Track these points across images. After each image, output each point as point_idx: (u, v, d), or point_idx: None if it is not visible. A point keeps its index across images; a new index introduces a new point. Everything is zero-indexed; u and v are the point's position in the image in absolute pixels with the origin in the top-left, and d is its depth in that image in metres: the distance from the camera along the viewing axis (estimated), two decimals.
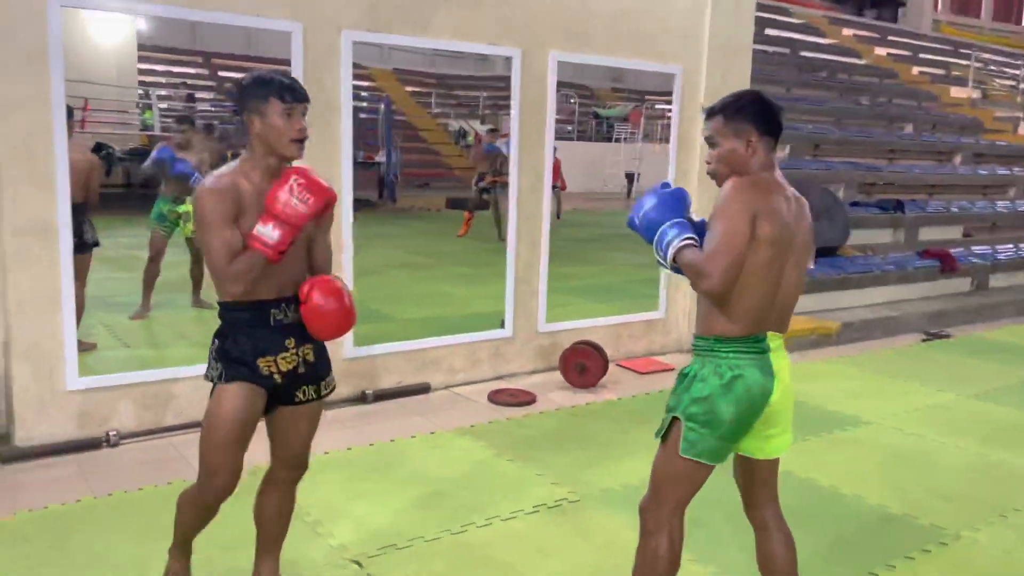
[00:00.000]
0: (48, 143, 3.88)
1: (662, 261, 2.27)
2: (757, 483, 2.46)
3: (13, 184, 3.83)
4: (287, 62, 4.47)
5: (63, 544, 3.12)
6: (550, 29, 5.36)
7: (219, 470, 2.40)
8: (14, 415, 3.99)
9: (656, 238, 2.26)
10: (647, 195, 2.35)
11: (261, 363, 2.42)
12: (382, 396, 4.98)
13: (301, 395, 2.53)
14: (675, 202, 2.31)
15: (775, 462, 2.47)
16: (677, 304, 6.38)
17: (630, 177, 17.67)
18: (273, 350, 2.44)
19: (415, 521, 3.40)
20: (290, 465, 2.60)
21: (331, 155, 4.68)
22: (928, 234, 9.61)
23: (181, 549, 2.63)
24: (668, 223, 2.26)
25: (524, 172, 5.41)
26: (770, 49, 13.69)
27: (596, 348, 5.41)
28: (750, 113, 2.26)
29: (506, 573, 3.01)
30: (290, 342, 2.47)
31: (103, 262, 5.61)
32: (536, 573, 3.01)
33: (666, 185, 2.39)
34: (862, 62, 15.33)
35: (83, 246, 4.68)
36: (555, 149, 10.96)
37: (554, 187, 13.72)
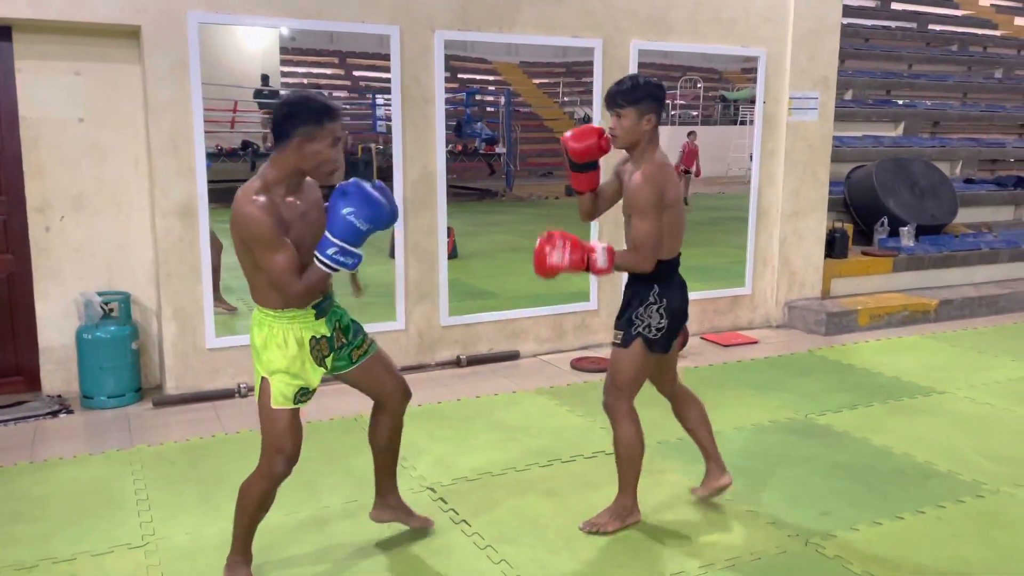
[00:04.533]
0: (189, 139, 4.62)
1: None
2: None
3: (162, 174, 4.59)
4: None
5: (198, 466, 3.82)
6: (631, 19, 5.70)
7: None
8: (164, 368, 4.78)
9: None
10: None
11: None
12: (475, 361, 5.50)
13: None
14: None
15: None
16: (764, 280, 6.56)
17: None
18: None
19: (486, 460, 3.89)
20: None
21: (427, 144, 5.23)
22: None
23: None
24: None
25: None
26: (893, 24, 13.26)
27: None
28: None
29: (555, 500, 3.45)
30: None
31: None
32: (581, 501, 3.43)
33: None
34: (998, 33, 14.53)
35: None
36: (694, 135, 11.15)
37: (687, 172, 13.93)
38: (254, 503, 2.77)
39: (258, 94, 7.18)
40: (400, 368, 5.28)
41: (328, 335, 2.72)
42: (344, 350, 2.81)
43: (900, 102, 10.39)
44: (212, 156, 4.99)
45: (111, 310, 4.63)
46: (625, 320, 3.09)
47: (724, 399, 4.78)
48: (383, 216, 2.51)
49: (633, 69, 5.75)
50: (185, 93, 4.56)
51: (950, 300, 6.95)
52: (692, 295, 6.20)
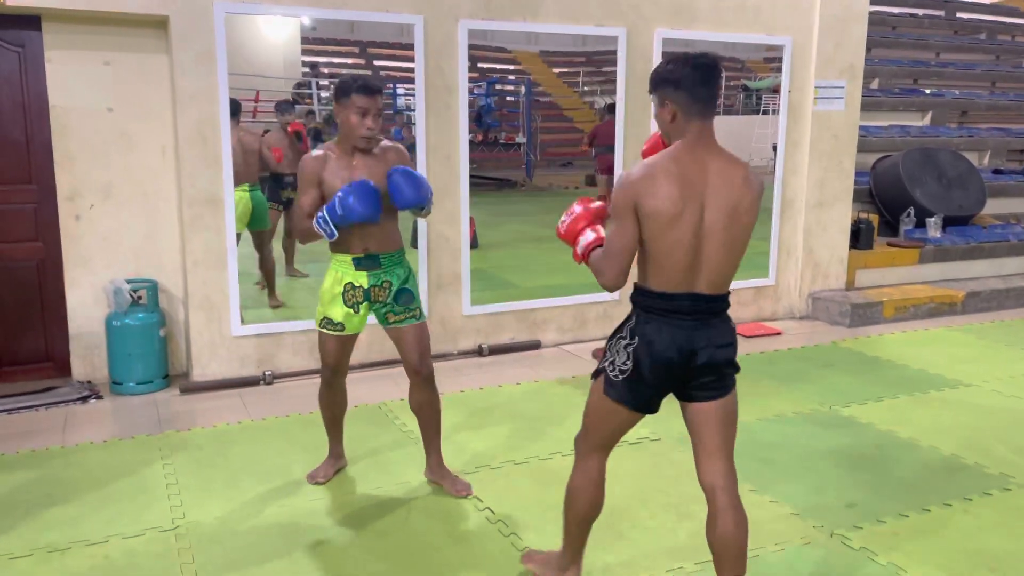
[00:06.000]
0: (216, 129, 4.66)
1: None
2: None
3: (189, 163, 4.64)
4: None
5: (226, 452, 3.87)
6: (655, 7, 5.66)
7: None
8: (191, 356, 4.84)
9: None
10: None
11: None
12: (496, 350, 5.52)
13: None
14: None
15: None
16: (788, 271, 6.52)
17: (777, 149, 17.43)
18: None
19: (508, 448, 3.91)
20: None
21: (451, 132, 5.24)
22: None
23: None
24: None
25: (629, 144, 5.75)
26: (920, 12, 13.08)
27: None
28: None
29: None
30: None
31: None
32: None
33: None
34: None
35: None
36: None
37: None
38: (320, 400, 3.56)
39: (299, 85, 7.22)
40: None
41: (365, 287, 3.23)
42: (382, 308, 3.30)
43: (927, 91, 10.26)
44: None
45: (139, 298, 4.69)
46: (606, 347, 2.50)
47: (747, 390, 4.73)
48: (357, 210, 3.02)
49: (657, 58, 5.71)
50: (212, 83, 4.59)
51: (977, 292, 6.87)
52: None
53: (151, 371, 4.72)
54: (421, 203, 3.18)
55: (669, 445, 3.96)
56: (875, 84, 9.94)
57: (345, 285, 3.23)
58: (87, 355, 4.83)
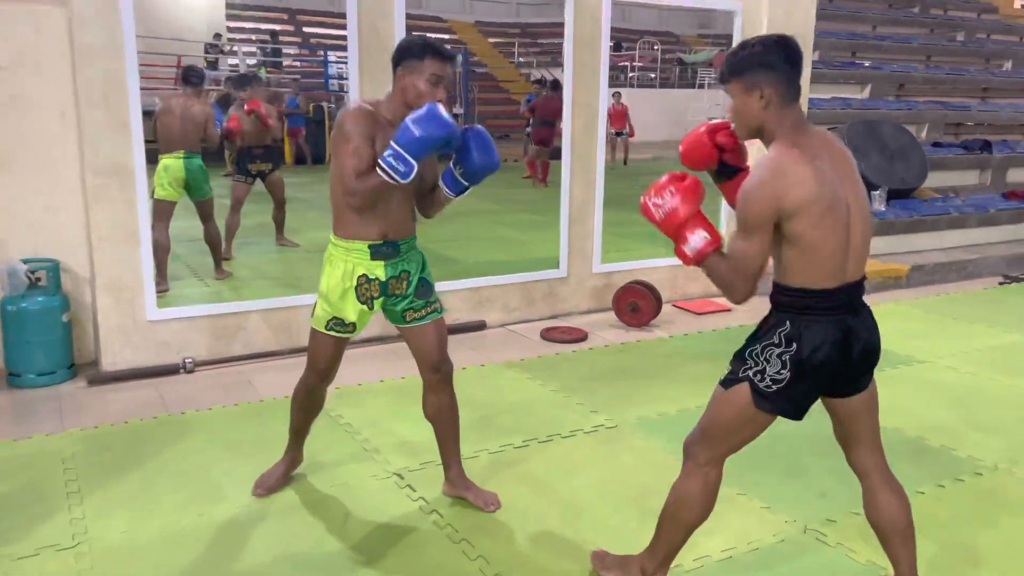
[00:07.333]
0: (122, 90, 4.17)
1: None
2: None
3: (91, 128, 4.14)
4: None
5: (138, 452, 3.46)
6: None
7: None
8: (100, 343, 4.38)
9: None
10: None
11: None
12: None
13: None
14: None
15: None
16: None
17: None
18: None
19: None
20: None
21: None
22: (1017, 176, 9.15)
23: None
24: None
25: (578, 113, 5.45)
26: None
27: (649, 288, 5.48)
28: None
29: (533, 485, 3.19)
30: None
31: (187, 208, 5.92)
32: (561, 486, 3.18)
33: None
34: None
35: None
36: (619, 95, 11.06)
37: (620, 133, 13.62)
38: (296, 403, 3.09)
39: (209, 48, 7.06)
40: (361, 339, 4.93)
41: (382, 279, 2.79)
42: (399, 303, 2.86)
43: (866, 64, 10.23)
44: (149, 115, 4.60)
45: (38, 279, 4.20)
46: (739, 353, 2.29)
47: (701, 371, 4.55)
48: (437, 130, 2.51)
49: (606, 24, 5.41)
50: (116, 38, 4.09)
51: (921, 266, 6.84)
52: (660, 262, 6.08)
53: (54, 361, 4.24)
54: (495, 165, 2.68)
55: (626, 432, 3.72)
56: (816, 56, 9.84)
57: (358, 278, 2.77)
58: None
